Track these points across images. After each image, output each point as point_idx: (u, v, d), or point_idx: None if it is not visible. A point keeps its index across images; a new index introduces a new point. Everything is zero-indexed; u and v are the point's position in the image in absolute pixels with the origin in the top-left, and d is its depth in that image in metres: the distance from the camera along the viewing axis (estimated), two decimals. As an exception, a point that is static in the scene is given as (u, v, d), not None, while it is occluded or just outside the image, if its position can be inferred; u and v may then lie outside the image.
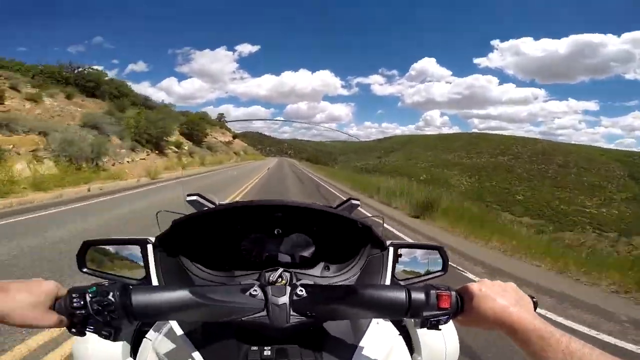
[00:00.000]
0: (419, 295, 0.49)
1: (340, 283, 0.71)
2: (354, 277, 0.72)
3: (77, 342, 0.80)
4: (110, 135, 15.89)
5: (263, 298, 0.53)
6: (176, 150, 24.46)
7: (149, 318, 0.50)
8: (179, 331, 0.61)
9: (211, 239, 0.73)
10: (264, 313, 0.51)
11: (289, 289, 0.54)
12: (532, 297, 0.49)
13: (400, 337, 0.73)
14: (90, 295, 0.45)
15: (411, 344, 0.82)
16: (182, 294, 0.48)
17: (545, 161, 66.73)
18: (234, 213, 0.74)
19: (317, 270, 0.74)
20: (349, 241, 0.74)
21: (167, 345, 0.63)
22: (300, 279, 0.64)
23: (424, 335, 0.81)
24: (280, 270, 0.63)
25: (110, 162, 14.12)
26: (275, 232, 0.74)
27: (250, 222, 0.74)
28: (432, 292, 0.48)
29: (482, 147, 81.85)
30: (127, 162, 15.91)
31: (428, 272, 0.74)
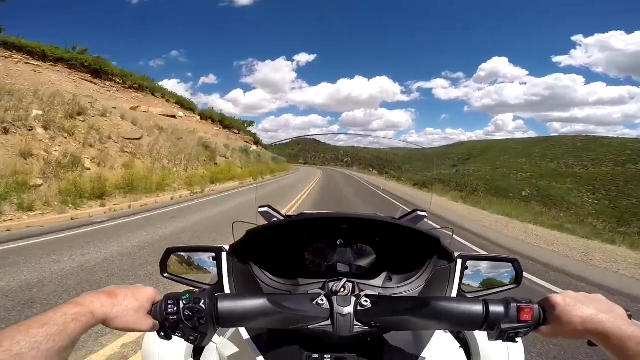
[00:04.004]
0: (497, 308, 0.49)
1: (404, 294, 0.74)
2: (419, 289, 0.74)
3: (146, 341, 0.88)
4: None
5: (328, 307, 0.56)
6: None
7: (231, 324, 0.53)
8: (245, 335, 0.64)
9: (278, 247, 0.78)
10: (329, 322, 0.54)
11: (353, 299, 0.56)
12: (627, 310, 0.48)
13: (461, 349, 0.75)
14: (183, 302, 0.50)
15: (470, 356, 0.82)
16: (261, 302, 0.52)
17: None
18: (301, 224, 0.78)
19: (379, 281, 0.76)
20: (413, 252, 0.76)
21: (232, 349, 0.69)
22: (362, 289, 0.68)
23: (485, 347, 0.81)
24: (344, 280, 0.67)
25: None
26: (338, 242, 0.78)
27: (316, 233, 0.78)
28: (512, 305, 0.49)
29: (597, 153, 66.69)
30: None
31: (493, 285, 0.73)
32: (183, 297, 0.50)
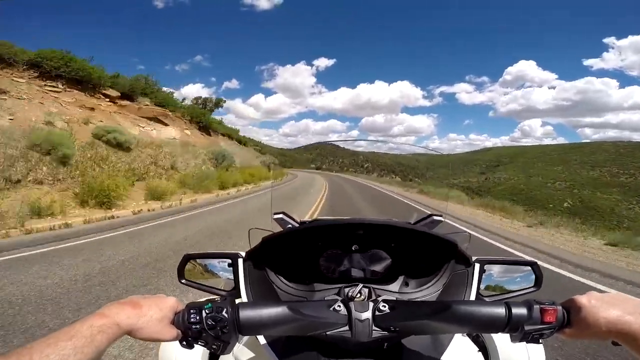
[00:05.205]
0: (520, 310, 0.49)
1: (421, 299, 0.73)
2: (436, 293, 0.74)
3: (163, 350, 0.89)
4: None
5: (346, 313, 0.56)
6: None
7: (253, 333, 0.54)
8: (262, 341, 0.64)
9: (293, 253, 0.78)
10: (347, 328, 0.55)
11: (371, 304, 0.57)
12: None
13: (480, 353, 0.76)
14: (206, 311, 0.50)
15: (488, 358, 0.83)
16: (281, 310, 0.52)
17: None
18: (316, 231, 0.78)
19: (395, 286, 0.76)
20: (430, 257, 0.76)
21: (248, 355, 0.70)
22: (379, 295, 0.68)
23: (504, 349, 0.82)
24: (360, 285, 0.67)
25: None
26: (353, 248, 0.77)
27: (331, 239, 0.78)
28: (535, 306, 0.49)
29: (643, 161, 61.65)
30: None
31: (508, 288, 0.73)
32: (205, 307, 0.50)
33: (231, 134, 31.29)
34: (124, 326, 0.44)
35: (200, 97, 33.48)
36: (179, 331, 0.50)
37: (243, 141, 35.18)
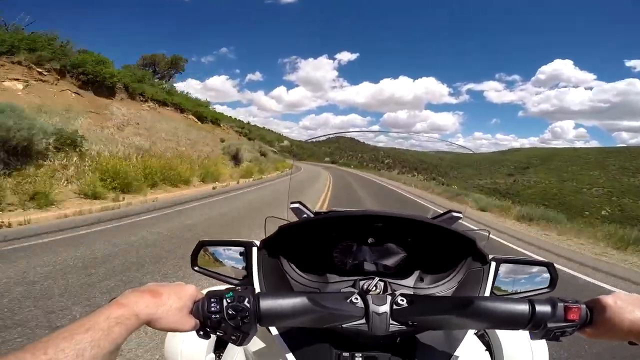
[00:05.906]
0: (543, 308, 0.49)
1: (437, 294, 0.73)
2: (451, 290, 0.73)
3: (169, 337, 0.90)
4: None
5: (363, 306, 0.55)
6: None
7: (271, 323, 0.53)
8: (274, 332, 0.63)
9: (307, 243, 0.77)
10: (363, 321, 0.54)
11: (389, 298, 0.57)
12: None
13: (487, 351, 0.78)
14: (227, 300, 0.48)
15: (494, 357, 0.84)
16: (300, 301, 0.51)
17: None
18: (333, 222, 0.78)
19: (410, 281, 0.75)
20: (447, 253, 0.76)
21: (258, 344, 0.69)
22: (395, 289, 0.68)
23: (508, 348, 0.83)
24: (377, 279, 0.67)
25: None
26: (369, 241, 0.76)
27: (347, 231, 0.77)
28: (560, 304, 0.49)
29: (693, 170, 57.05)
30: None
31: (517, 288, 0.73)
32: (227, 295, 0.49)
33: (182, 104, 20.14)
34: (143, 316, 0.42)
35: (147, 54, 22.01)
36: (197, 321, 0.48)
37: (212, 118, 23.54)
